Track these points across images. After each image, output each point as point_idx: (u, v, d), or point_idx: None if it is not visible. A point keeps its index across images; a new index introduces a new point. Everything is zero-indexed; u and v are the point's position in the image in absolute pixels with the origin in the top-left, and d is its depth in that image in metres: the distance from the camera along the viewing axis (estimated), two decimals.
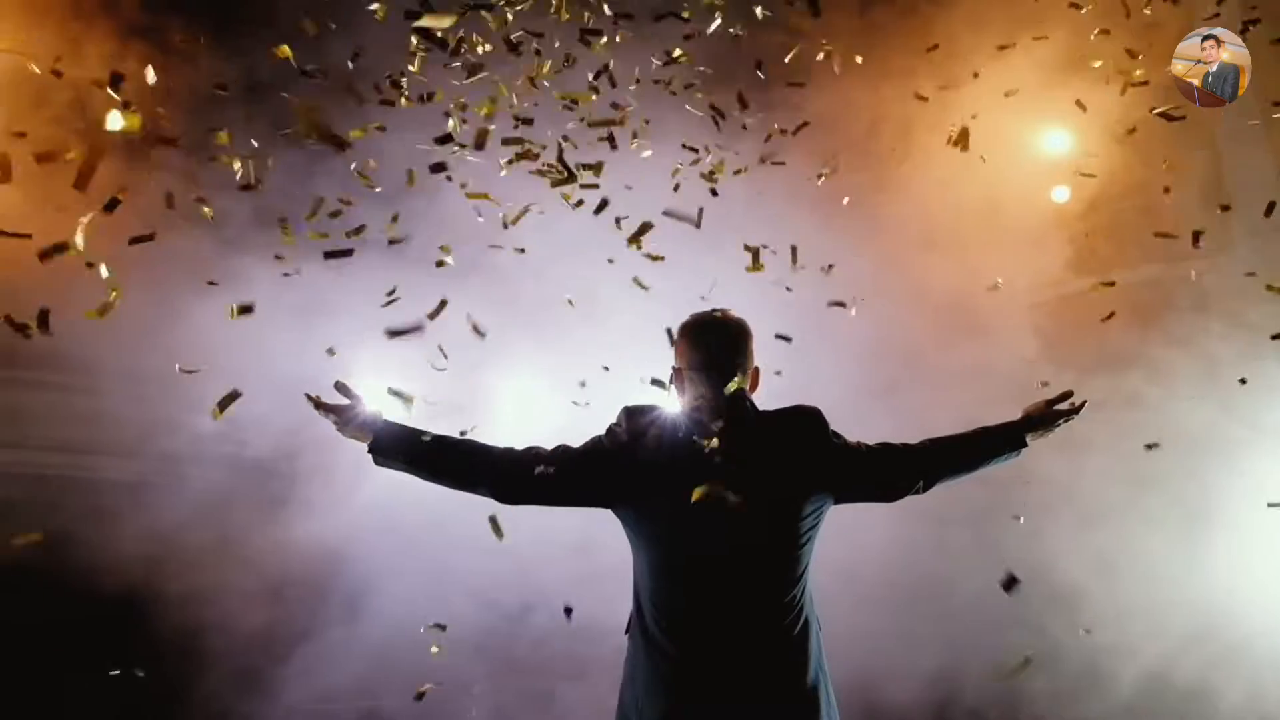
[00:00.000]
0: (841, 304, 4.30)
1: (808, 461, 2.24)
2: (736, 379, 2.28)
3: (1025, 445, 2.48)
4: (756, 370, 2.41)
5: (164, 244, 4.31)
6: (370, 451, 2.21)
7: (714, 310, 2.42)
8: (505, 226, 4.17)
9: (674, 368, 2.40)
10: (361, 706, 3.99)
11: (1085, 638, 3.72)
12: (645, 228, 3.40)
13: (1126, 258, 4.60)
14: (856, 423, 2.81)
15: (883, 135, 5.12)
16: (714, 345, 2.33)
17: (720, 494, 2.10)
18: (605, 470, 2.21)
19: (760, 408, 2.35)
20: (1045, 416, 2.51)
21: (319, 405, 2.21)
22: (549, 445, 2.28)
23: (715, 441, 2.15)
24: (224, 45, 4.10)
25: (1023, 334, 4.49)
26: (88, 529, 3.85)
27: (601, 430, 2.30)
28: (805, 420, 2.31)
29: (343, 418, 2.19)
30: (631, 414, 2.27)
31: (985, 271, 4.66)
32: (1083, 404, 2.54)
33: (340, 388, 2.23)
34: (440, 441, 2.23)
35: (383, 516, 4.22)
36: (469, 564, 4.18)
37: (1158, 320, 3.75)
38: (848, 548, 4.34)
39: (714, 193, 4.47)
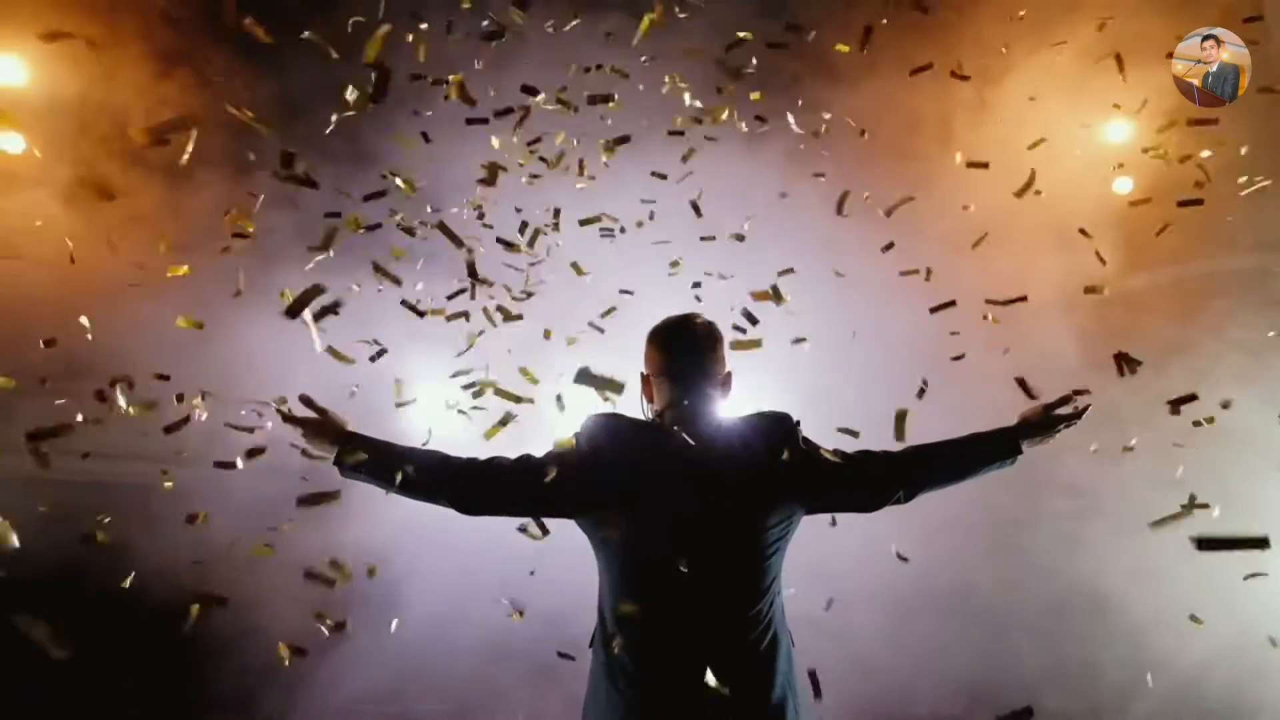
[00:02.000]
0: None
1: (775, 469, 2.14)
2: (704, 385, 2.23)
3: (1020, 453, 2.34)
4: (729, 375, 2.34)
5: (213, 257, 4.50)
6: (335, 463, 2.21)
7: (684, 315, 2.36)
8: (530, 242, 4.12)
9: (642, 374, 2.35)
10: (397, 710, 4.04)
11: (1122, 648, 3.58)
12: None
13: (1176, 252, 4.43)
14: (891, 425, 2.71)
15: (922, 133, 5.05)
16: (682, 350, 2.28)
17: (682, 504, 2.05)
18: (565, 479, 2.15)
19: (744, 412, 2.27)
20: (1042, 421, 2.36)
21: (286, 417, 2.23)
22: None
23: (679, 449, 2.10)
24: (261, 64, 4.20)
25: (1063, 334, 4.35)
26: (137, 534, 3.99)
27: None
28: (774, 427, 2.21)
29: (309, 429, 2.21)
30: (593, 422, 2.22)
31: (1029, 270, 4.54)
32: (1085, 408, 2.39)
33: (305, 400, 2.25)
34: (402, 453, 2.22)
35: (422, 522, 4.29)
36: (506, 569, 4.22)
37: (1206, 317, 3.59)
38: (887, 555, 4.30)
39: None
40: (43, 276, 4.76)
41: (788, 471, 2.15)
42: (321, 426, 2.21)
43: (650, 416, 2.30)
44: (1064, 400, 2.39)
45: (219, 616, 4.03)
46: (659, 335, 2.33)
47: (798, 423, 2.23)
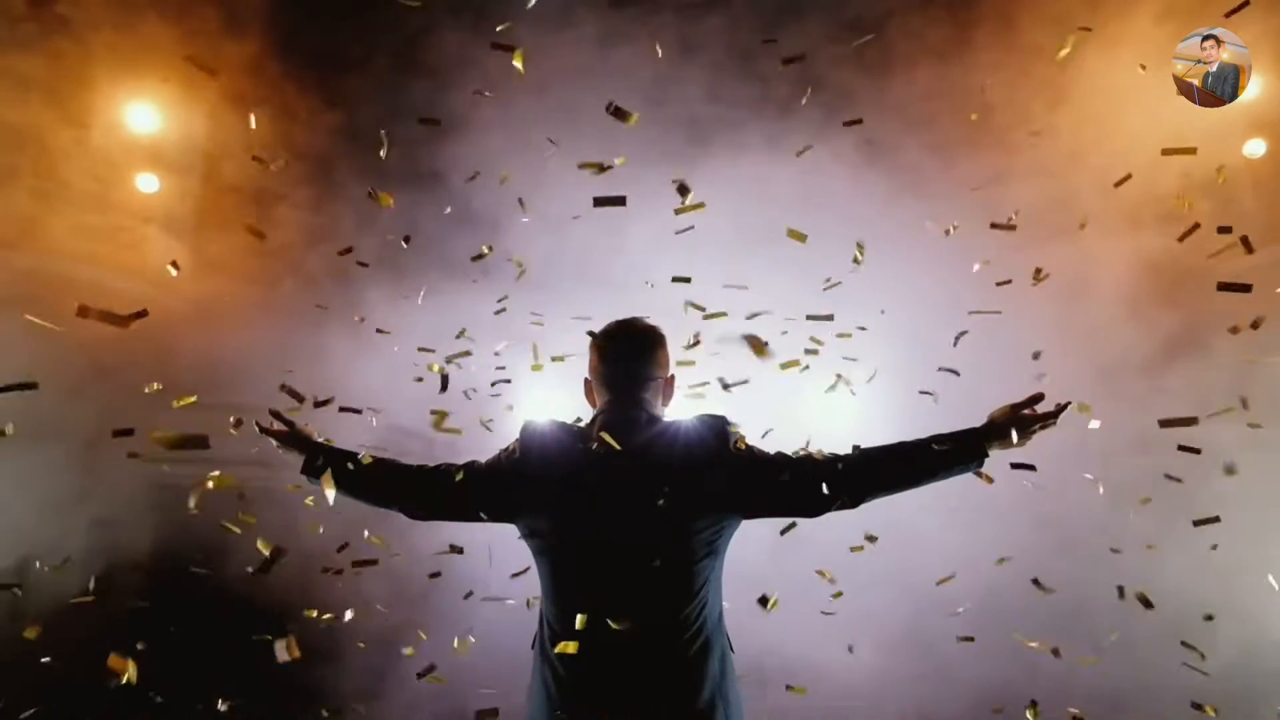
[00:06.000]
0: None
1: (703, 473, 2.10)
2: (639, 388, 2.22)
3: (985, 456, 2.15)
4: (670, 379, 2.32)
5: (309, 282, 4.87)
6: (302, 472, 2.33)
7: (626, 319, 2.35)
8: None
9: (585, 378, 2.36)
10: (450, 705, 4.19)
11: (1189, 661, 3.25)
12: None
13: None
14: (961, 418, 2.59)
15: (1000, 115, 4.78)
16: (619, 355, 2.27)
17: (606, 509, 2.05)
18: (500, 485, 2.19)
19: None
20: (1011, 423, 2.16)
21: (262, 430, 2.38)
22: None
23: (606, 454, 2.09)
24: (329, 92, 4.49)
25: (1154, 325, 4.02)
26: (241, 539, 4.35)
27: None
28: (705, 431, 2.16)
29: (281, 440, 2.35)
30: (527, 428, 2.25)
31: (1112, 254, 4.23)
32: (1064, 406, 2.17)
33: (274, 414, 2.38)
34: (360, 462, 2.31)
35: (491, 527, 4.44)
36: None
37: None
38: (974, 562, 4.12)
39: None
40: (176, 299, 5.27)
41: (716, 476, 2.11)
42: (290, 438, 2.35)
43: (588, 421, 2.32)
44: (1034, 399, 2.19)
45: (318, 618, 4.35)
46: (598, 339, 2.34)
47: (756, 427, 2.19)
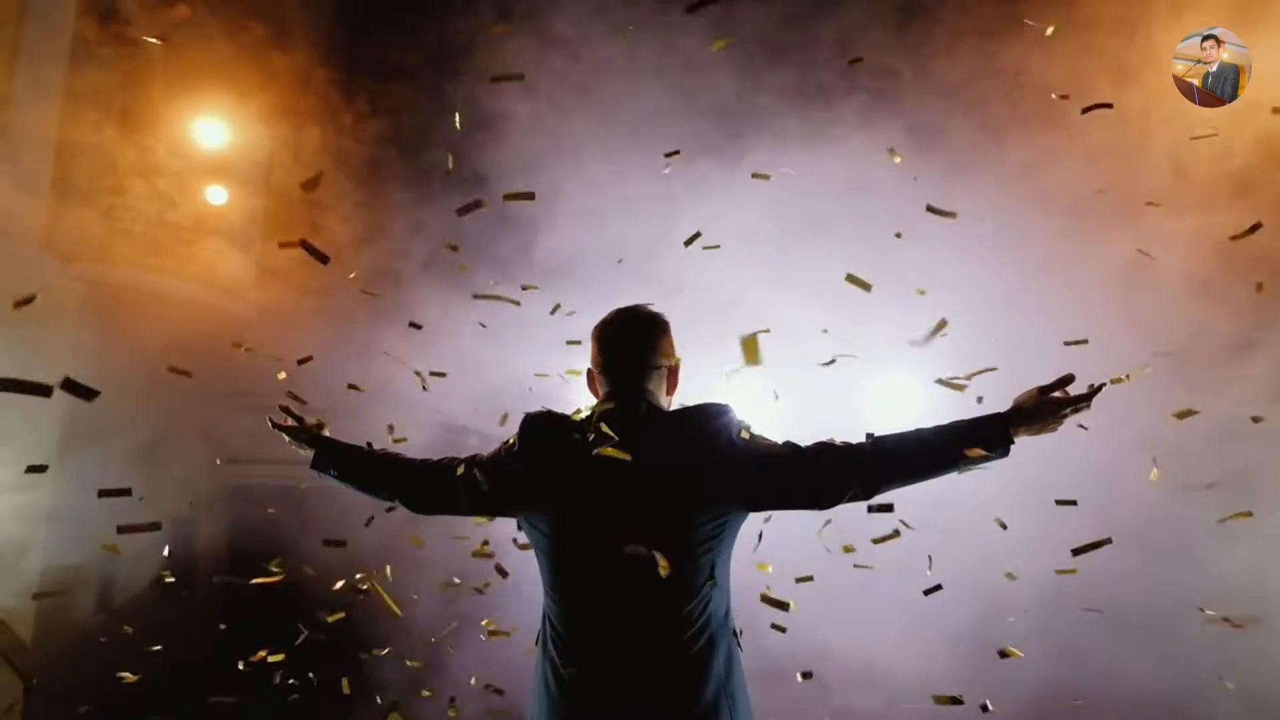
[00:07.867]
0: None
1: (705, 465, 2.01)
2: (639, 378, 2.17)
3: (1011, 443, 1.99)
4: (674, 368, 2.25)
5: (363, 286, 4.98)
6: (312, 466, 2.37)
7: (628, 307, 2.28)
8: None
9: (588, 369, 2.30)
10: (501, 702, 4.22)
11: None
12: None
13: None
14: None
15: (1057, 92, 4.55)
16: (619, 344, 2.21)
17: (604, 502, 2.00)
18: (501, 478, 2.16)
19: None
20: (1038, 407, 2.00)
21: (274, 425, 2.43)
22: None
23: (606, 445, 2.02)
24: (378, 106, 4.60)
25: (1221, 310, 3.79)
26: (295, 533, 4.49)
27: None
28: (707, 420, 2.07)
29: (291, 434, 2.40)
30: (527, 420, 2.20)
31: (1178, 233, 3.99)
32: (1098, 388, 2.01)
33: (284, 409, 2.44)
34: (365, 455, 2.34)
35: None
36: None
37: None
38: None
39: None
40: (239, 304, 5.48)
41: (718, 468, 2.03)
42: (299, 433, 2.41)
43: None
44: (1063, 381, 2.03)
45: (363, 611, 4.46)
46: (599, 328, 2.29)
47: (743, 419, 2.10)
